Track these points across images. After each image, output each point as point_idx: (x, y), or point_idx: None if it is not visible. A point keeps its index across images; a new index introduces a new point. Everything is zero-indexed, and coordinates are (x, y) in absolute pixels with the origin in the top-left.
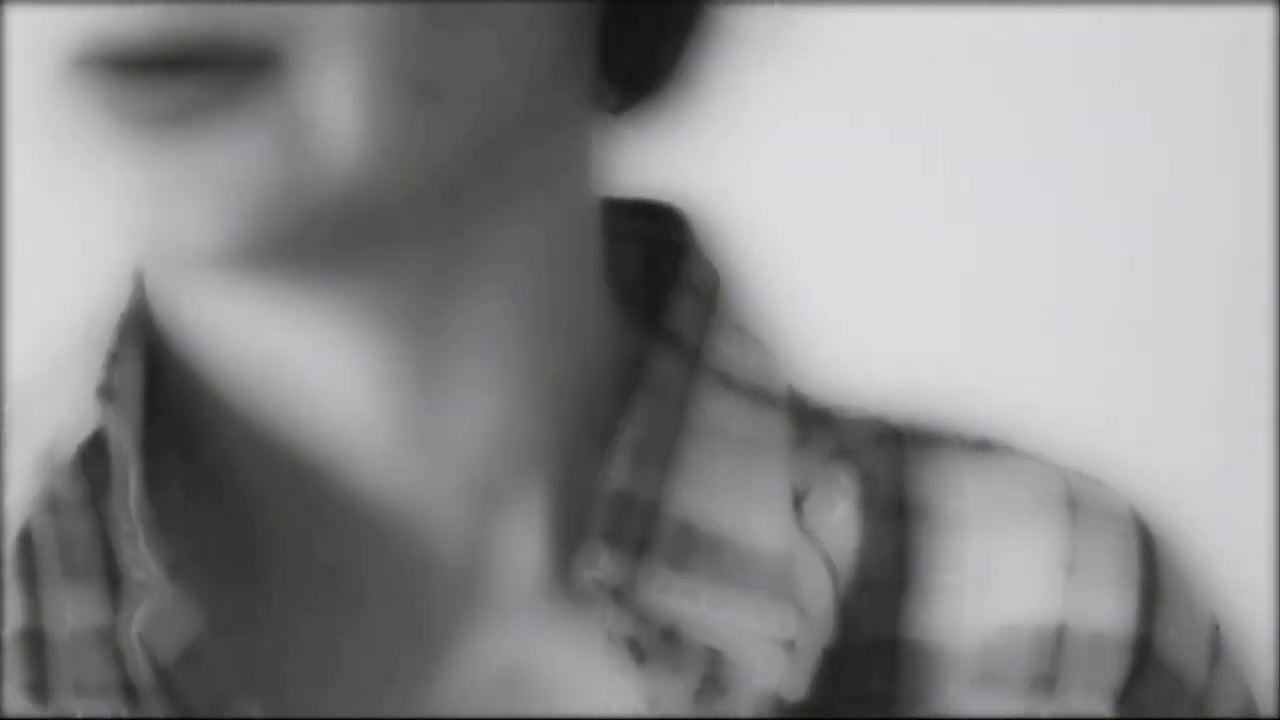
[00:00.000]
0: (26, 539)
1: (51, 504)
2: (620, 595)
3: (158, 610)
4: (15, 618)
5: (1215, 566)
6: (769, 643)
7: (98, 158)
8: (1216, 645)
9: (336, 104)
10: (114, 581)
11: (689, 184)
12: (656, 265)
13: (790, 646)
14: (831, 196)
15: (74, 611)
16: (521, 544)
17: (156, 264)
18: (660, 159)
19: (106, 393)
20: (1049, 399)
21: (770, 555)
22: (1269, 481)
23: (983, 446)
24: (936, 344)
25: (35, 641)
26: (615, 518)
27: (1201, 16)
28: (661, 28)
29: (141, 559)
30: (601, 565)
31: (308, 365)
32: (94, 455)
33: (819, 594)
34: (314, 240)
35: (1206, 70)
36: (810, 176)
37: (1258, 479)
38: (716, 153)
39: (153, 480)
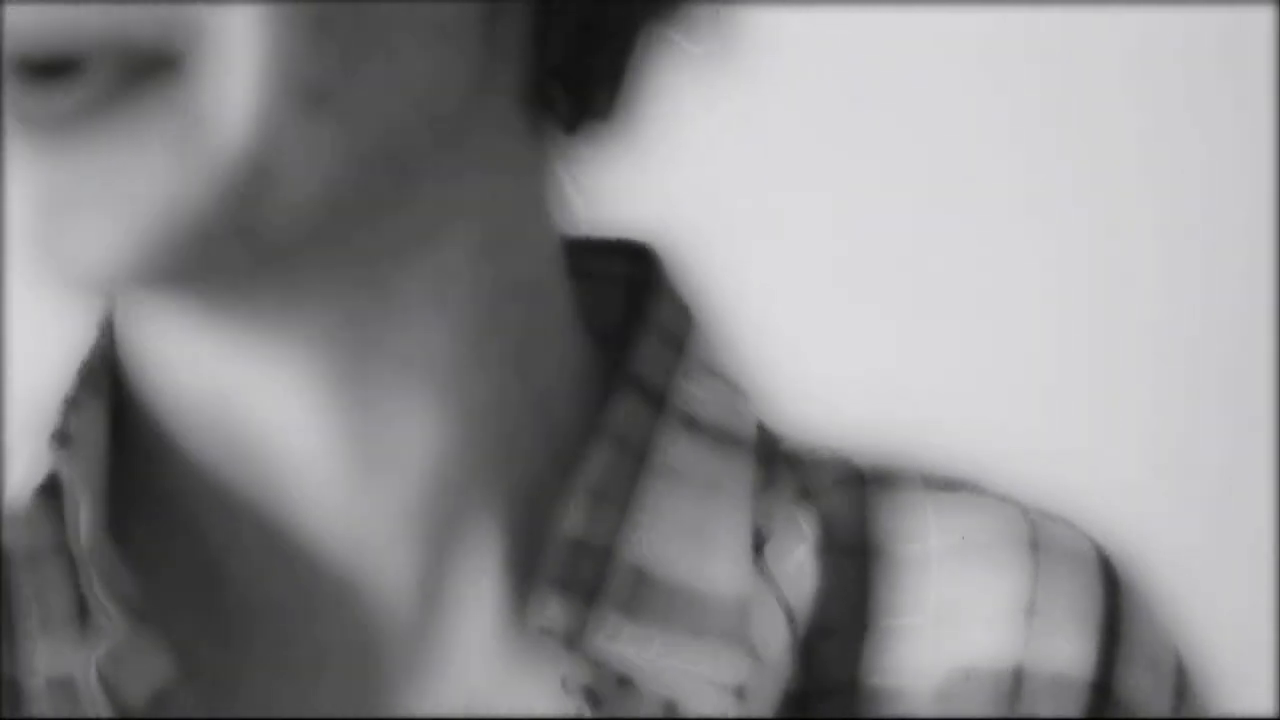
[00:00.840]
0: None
1: (21, 553)
2: (571, 642)
3: (122, 653)
4: None
5: (1217, 582)
6: (721, 689)
7: (12, 162)
8: (1181, 684)
9: (226, 106)
10: (85, 626)
11: (647, 208)
12: (630, 306)
13: (741, 693)
14: (780, 210)
15: (46, 659)
16: (475, 589)
17: (57, 285)
18: (617, 182)
19: (60, 438)
20: (1041, 403)
21: (727, 600)
22: (1269, 481)
23: (948, 486)
24: (912, 360)
25: (11, 693)
26: (567, 563)
27: (1201, 16)
28: (593, 32)
29: (99, 601)
30: (551, 613)
31: (253, 402)
32: (57, 502)
33: (774, 639)
34: (217, 258)
35: (1206, 70)
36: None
37: (1259, 482)
38: (667, 171)
39: (121, 524)
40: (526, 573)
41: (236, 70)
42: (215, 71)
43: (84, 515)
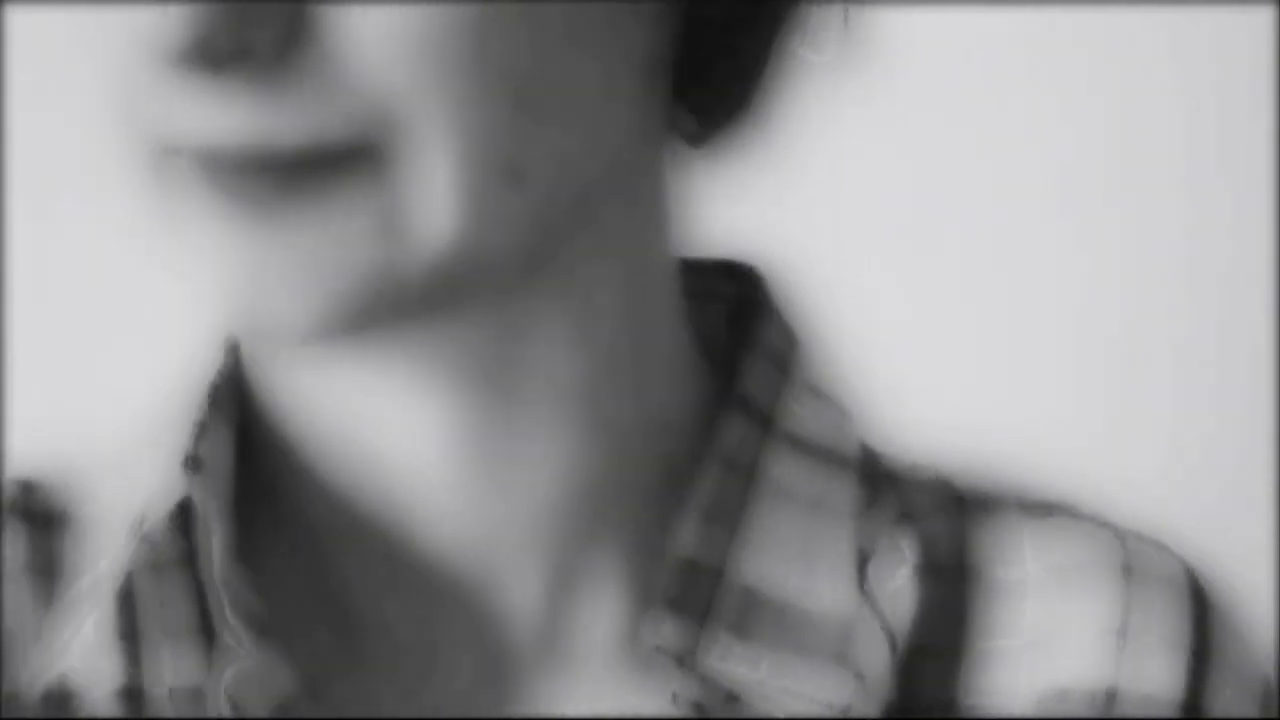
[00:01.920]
0: (126, 599)
1: (149, 567)
2: (684, 661)
3: (246, 671)
4: (114, 677)
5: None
6: (825, 708)
7: (198, 228)
8: (1270, 705)
9: (430, 192)
10: (209, 641)
11: (762, 226)
12: (737, 326)
13: (847, 713)
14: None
15: (172, 670)
16: (594, 607)
17: (246, 336)
18: (736, 202)
19: (193, 463)
20: (1047, 403)
21: (831, 620)
22: (1269, 481)
23: (1043, 509)
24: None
25: (134, 699)
26: (681, 584)
27: (1201, 16)
28: (734, 61)
29: (229, 623)
30: (665, 633)
31: (384, 428)
32: (185, 521)
33: (876, 660)
34: (400, 314)
35: (1206, 70)
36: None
37: (1259, 482)
38: (786, 188)
39: (247, 544)
40: (642, 591)
41: (433, 159)
42: (412, 162)
43: (216, 541)
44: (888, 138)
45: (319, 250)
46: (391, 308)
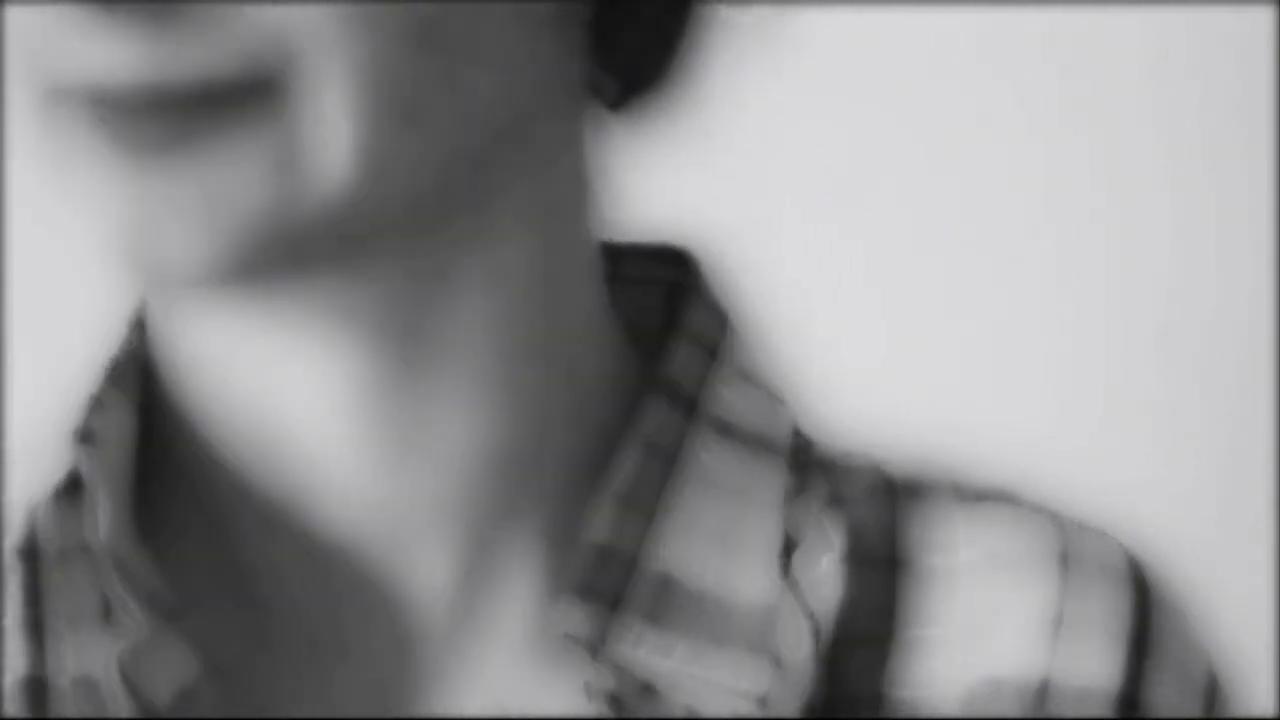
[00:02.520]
0: (30, 587)
1: (48, 551)
2: (595, 649)
3: (144, 651)
4: (18, 667)
5: (1216, 580)
6: (743, 698)
7: (86, 174)
8: (1212, 695)
9: (326, 130)
10: (110, 625)
11: (684, 205)
12: (669, 311)
13: (764, 701)
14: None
15: (73, 658)
16: (506, 590)
17: (143, 282)
18: (658, 176)
19: (82, 435)
20: (1043, 401)
21: (752, 608)
22: (1269, 482)
23: (981, 496)
24: (938, 360)
25: (37, 690)
26: (593, 571)
27: (1201, 16)
28: (654, 22)
29: (120, 600)
30: (575, 619)
31: (288, 398)
32: (79, 499)
33: (798, 648)
34: (298, 258)
35: (1207, 70)
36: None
37: (1259, 482)
38: (710, 162)
39: (152, 524)
40: (556, 576)
41: (333, 94)
42: (310, 98)
43: (103, 513)
44: (875, 121)
45: (209, 191)
46: (288, 251)
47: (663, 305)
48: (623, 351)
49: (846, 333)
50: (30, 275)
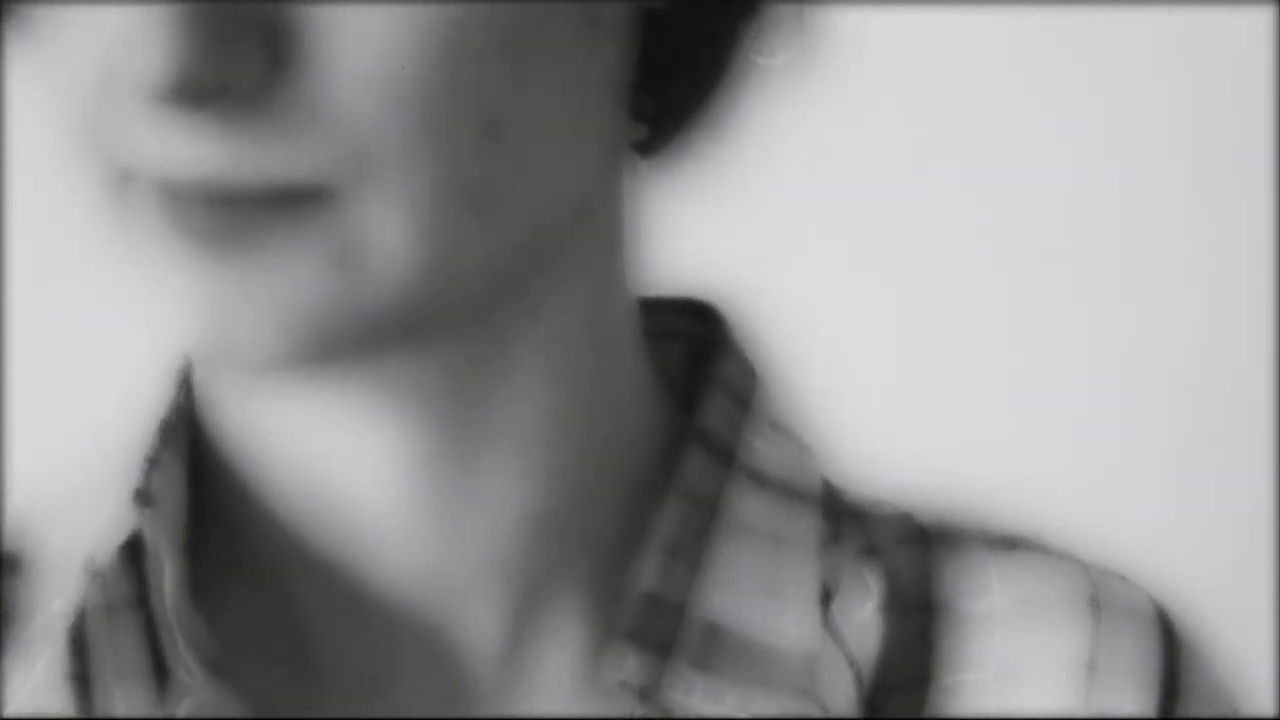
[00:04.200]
0: (77, 640)
1: (100, 607)
2: (646, 695)
3: (200, 707)
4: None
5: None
6: None
7: (153, 259)
8: None
9: (387, 226)
10: (162, 679)
11: (708, 244)
12: (697, 363)
13: None
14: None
15: (124, 709)
16: (553, 642)
17: (208, 365)
18: (682, 221)
19: (143, 497)
20: (1040, 412)
21: (795, 655)
22: (1269, 482)
23: (1009, 544)
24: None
25: None
26: (642, 619)
27: (1201, 16)
28: (695, 74)
29: (182, 658)
30: (627, 667)
31: (342, 462)
32: (135, 558)
33: (841, 693)
34: (363, 346)
35: (1207, 70)
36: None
37: (1259, 482)
38: (733, 204)
39: (201, 581)
40: (603, 626)
41: (399, 191)
42: (367, 200)
43: (168, 576)
44: (885, 153)
45: (273, 285)
46: (357, 338)
47: (688, 358)
48: (657, 404)
49: (868, 375)
50: (54, 321)
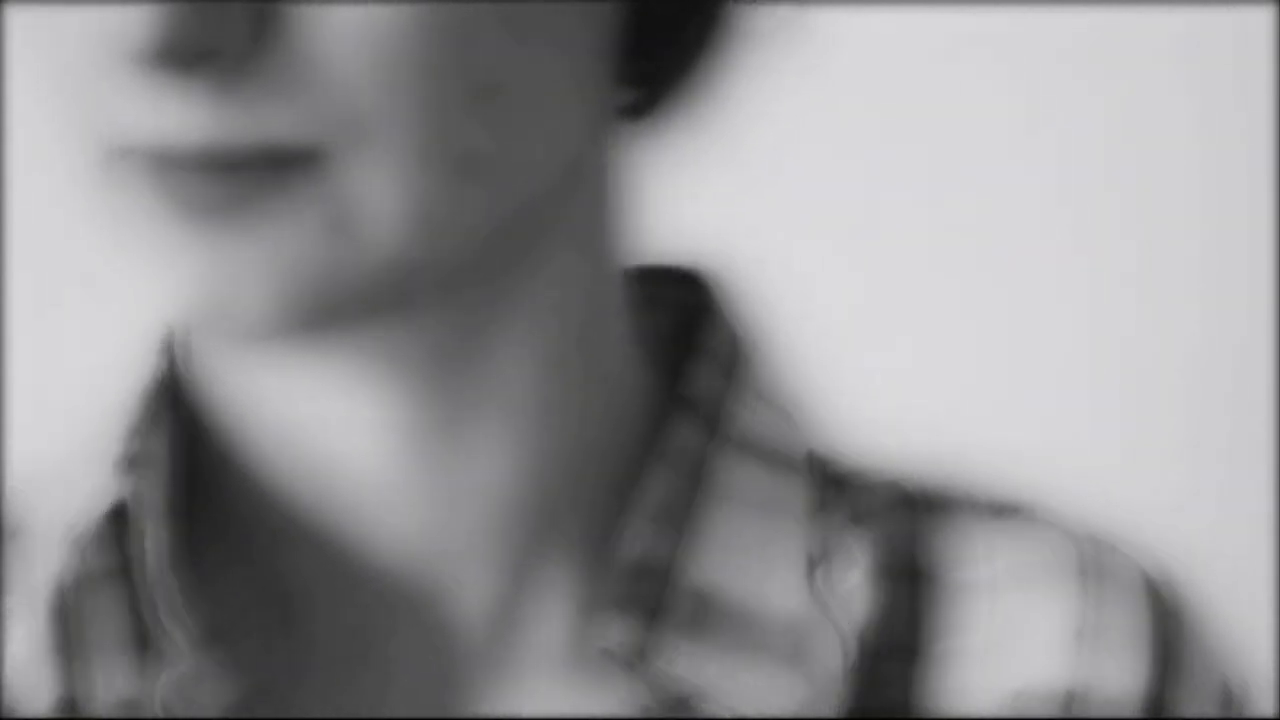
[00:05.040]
0: (59, 610)
1: (83, 577)
2: (632, 663)
3: (186, 677)
4: (49, 691)
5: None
6: (778, 712)
7: (148, 235)
8: (1229, 704)
9: (379, 189)
10: (144, 651)
11: (704, 217)
12: (686, 332)
13: (798, 716)
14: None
15: (105, 683)
16: (543, 610)
17: (206, 334)
18: (678, 193)
19: (127, 464)
20: (1040, 401)
21: (783, 622)
22: (1269, 482)
23: (999, 511)
24: (952, 373)
25: (69, 713)
26: (629, 586)
27: (1201, 16)
28: (684, 32)
29: (164, 627)
30: (614, 634)
31: (332, 429)
32: (120, 527)
33: (830, 661)
34: (357, 312)
35: (1207, 70)
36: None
37: (1259, 482)
38: (730, 179)
39: (190, 549)
40: (590, 594)
41: (390, 155)
42: (358, 163)
43: (150, 542)
44: (878, 131)
45: (269, 252)
46: (351, 303)
47: (676, 326)
48: (645, 372)
49: (864, 350)
50: (36, 294)
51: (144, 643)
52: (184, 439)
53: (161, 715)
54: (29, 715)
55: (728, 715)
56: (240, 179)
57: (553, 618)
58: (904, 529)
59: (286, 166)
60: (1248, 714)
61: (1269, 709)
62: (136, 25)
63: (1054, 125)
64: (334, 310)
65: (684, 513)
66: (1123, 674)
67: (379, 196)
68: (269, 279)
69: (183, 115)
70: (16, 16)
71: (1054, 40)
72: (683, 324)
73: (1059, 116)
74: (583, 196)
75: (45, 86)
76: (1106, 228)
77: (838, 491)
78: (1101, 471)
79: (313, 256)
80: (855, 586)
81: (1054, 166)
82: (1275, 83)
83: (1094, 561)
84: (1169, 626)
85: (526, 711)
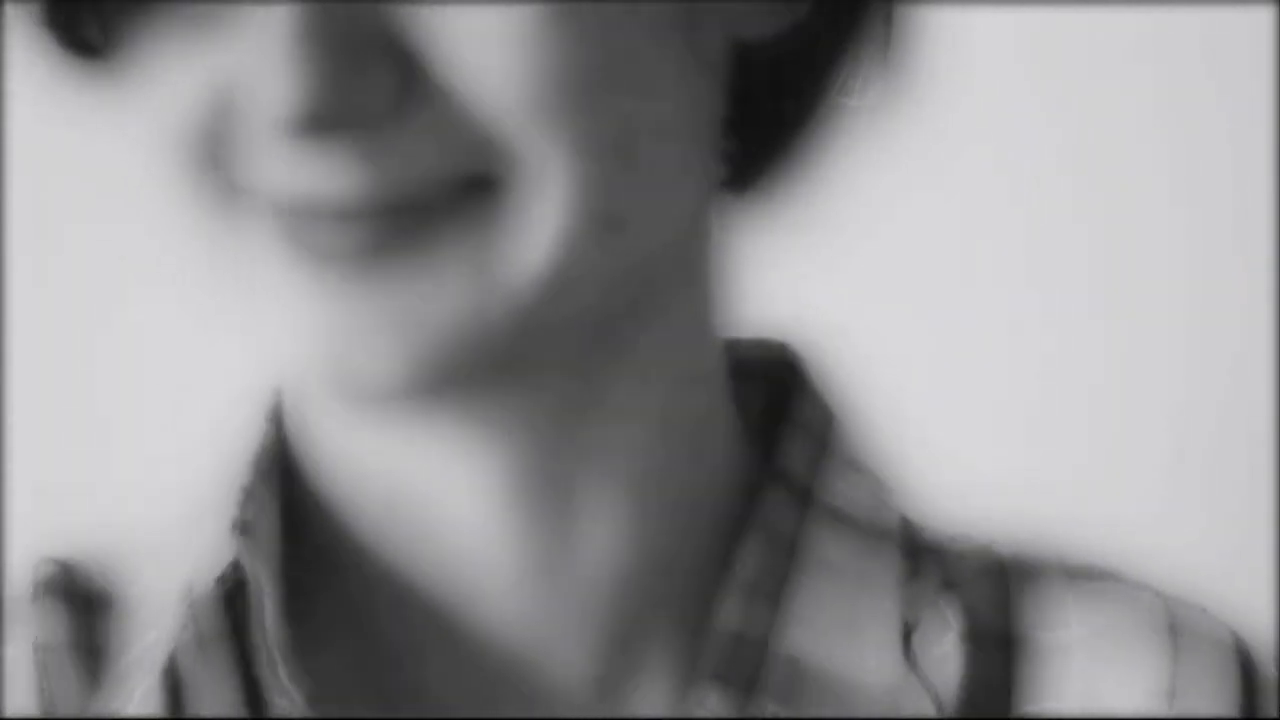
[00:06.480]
0: (171, 671)
1: (194, 639)
2: None
3: None
4: None
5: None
6: None
7: (275, 283)
8: None
9: (534, 229)
10: (258, 711)
11: (797, 294)
12: (775, 403)
13: None
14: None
15: None
16: (645, 679)
17: (329, 394)
18: (765, 263)
19: (242, 528)
20: (1044, 406)
21: (877, 689)
22: (1269, 483)
23: (1085, 574)
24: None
25: None
26: (726, 657)
27: (1201, 16)
28: (788, 112)
29: (282, 688)
30: (712, 705)
31: (440, 496)
32: (232, 589)
33: None
34: (481, 371)
35: (1207, 70)
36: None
37: (1259, 483)
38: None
39: (294, 612)
40: (690, 665)
41: (546, 197)
42: (526, 197)
43: (269, 605)
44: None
45: (409, 307)
46: (479, 364)
47: (767, 397)
48: (739, 445)
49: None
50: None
51: (256, 704)
52: (289, 502)
53: None
54: None
55: None
56: (383, 229)
57: (652, 687)
58: (994, 594)
59: (441, 207)
60: None
61: None
62: (282, 93)
63: (1051, 125)
64: (463, 371)
65: (778, 585)
66: None
67: (530, 236)
68: (401, 336)
69: (327, 177)
70: (131, 70)
71: (1053, 40)
72: (774, 394)
73: (1056, 116)
74: (690, 266)
75: (161, 139)
76: (1101, 228)
77: (930, 559)
78: (1130, 487)
79: (451, 309)
80: (948, 651)
81: (1051, 168)
82: (1275, 83)
83: (1182, 622)
84: (1257, 690)
85: None
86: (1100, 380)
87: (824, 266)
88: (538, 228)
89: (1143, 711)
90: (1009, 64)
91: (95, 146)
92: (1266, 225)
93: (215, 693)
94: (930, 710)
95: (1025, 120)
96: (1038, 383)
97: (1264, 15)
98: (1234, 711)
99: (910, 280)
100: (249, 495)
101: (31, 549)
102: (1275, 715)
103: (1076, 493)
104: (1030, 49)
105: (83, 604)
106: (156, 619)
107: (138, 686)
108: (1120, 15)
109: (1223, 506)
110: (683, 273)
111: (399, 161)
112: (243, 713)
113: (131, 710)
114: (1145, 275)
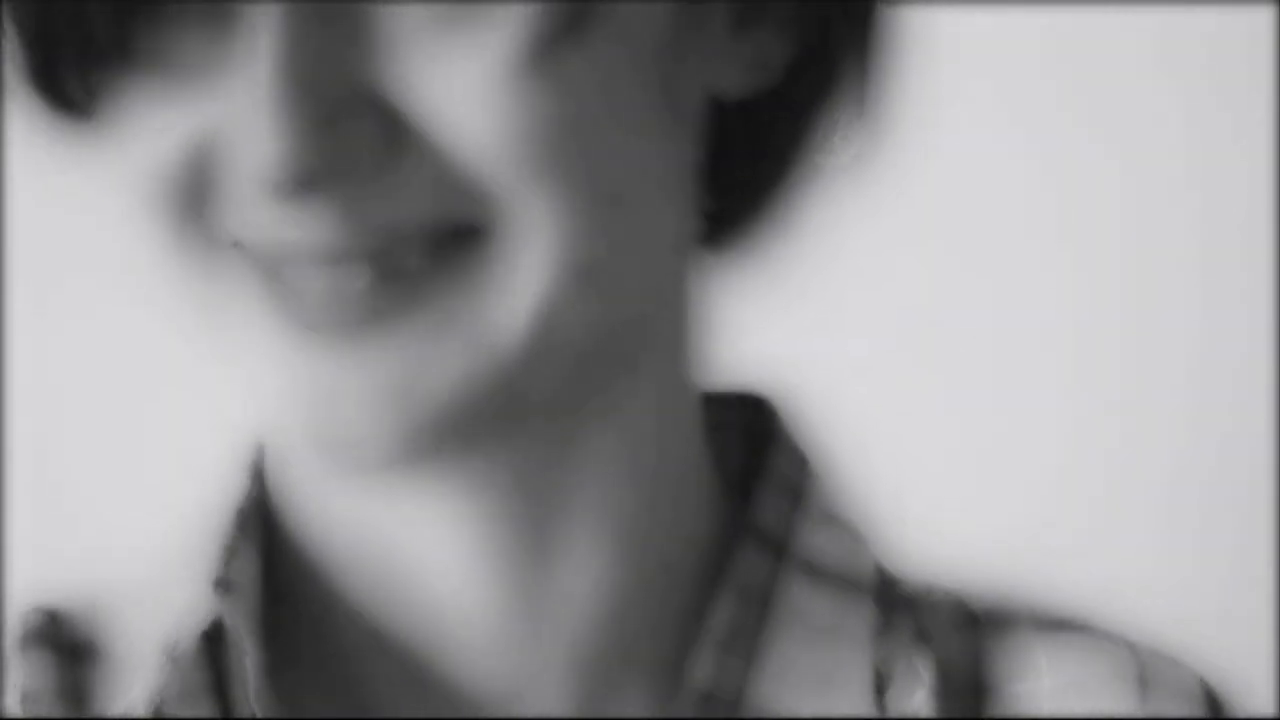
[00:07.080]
0: None
1: (180, 692)
2: None
3: None
4: None
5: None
6: None
7: (269, 343)
8: None
9: (521, 278)
10: None
11: (763, 339)
12: (750, 455)
13: None
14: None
15: None
16: None
17: (318, 461)
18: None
19: (224, 585)
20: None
21: None
22: (1269, 484)
23: (1057, 625)
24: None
25: None
26: (699, 712)
27: (1201, 16)
28: (766, 167)
29: None
30: None
31: (420, 548)
32: (214, 645)
33: None
34: (469, 431)
35: (1207, 70)
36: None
37: (1259, 484)
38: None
39: (275, 663)
40: (663, 716)
41: (531, 246)
42: (511, 246)
43: (250, 662)
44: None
45: (399, 374)
46: (466, 424)
47: (742, 449)
48: (714, 497)
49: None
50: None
51: None
52: (269, 558)
53: None
54: None
55: None
56: (362, 280)
57: None
58: (967, 646)
59: (418, 270)
60: None
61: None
62: (267, 153)
63: (1051, 125)
64: (453, 435)
65: (751, 640)
66: None
67: (516, 285)
68: (391, 405)
69: (312, 228)
70: (110, 124)
71: (1053, 41)
72: (749, 447)
73: (1057, 116)
74: (668, 318)
75: (143, 191)
76: (1102, 228)
77: (903, 611)
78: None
79: (440, 374)
80: (920, 705)
81: (1051, 168)
82: (1275, 83)
83: (1152, 672)
84: None
85: None
86: (1090, 408)
87: (803, 315)
88: (523, 279)
89: None
90: (1008, 67)
91: (91, 190)
92: (1267, 228)
93: None
94: None
95: (1015, 113)
96: (1020, 420)
97: (1264, 15)
98: None
99: (890, 323)
100: (231, 552)
101: (19, 597)
102: None
103: (1065, 538)
104: (1030, 49)
105: (69, 653)
106: (139, 673)
107: None
108: (1120, 16)
109: (1220, 539)
110: (661, 325)
111: (382, 209)
112: None
113: None
114: (1132, 278)
